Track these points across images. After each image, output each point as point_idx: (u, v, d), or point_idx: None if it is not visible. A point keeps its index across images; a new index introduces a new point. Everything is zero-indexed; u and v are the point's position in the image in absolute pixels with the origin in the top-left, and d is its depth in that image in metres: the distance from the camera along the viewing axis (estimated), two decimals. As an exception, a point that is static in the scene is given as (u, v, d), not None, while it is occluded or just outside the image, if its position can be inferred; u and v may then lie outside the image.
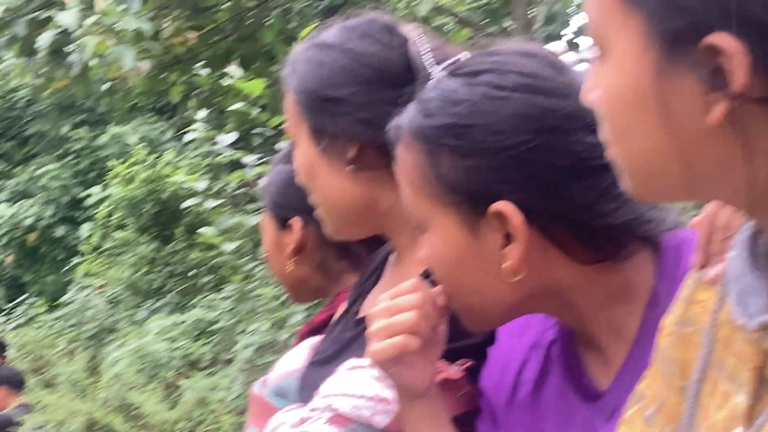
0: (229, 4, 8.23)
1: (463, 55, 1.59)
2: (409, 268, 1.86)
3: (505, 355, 1.66)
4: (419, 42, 1.85)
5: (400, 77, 1.79)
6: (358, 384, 1.72)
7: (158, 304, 10.79)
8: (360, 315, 1.98)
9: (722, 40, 0.96)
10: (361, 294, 2.05)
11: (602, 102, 1.09)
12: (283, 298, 7.55)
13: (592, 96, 1.13)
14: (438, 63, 1.65)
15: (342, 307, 2.14)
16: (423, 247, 1.53)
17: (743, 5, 0.96)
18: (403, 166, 1.52)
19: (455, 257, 1.48)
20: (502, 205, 1.41)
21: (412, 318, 1.49)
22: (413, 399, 1.55)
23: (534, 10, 7.76)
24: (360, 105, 1.83)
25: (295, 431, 1.77)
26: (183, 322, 9.34)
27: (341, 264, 2.47)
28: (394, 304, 1.52)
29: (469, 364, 1.68)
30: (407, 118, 1.52)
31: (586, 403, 1.51)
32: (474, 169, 1.43)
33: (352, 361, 1.77)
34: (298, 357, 2.14)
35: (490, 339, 1.70)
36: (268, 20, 8.01)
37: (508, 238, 1.43)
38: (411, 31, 1.88)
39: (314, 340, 2.14)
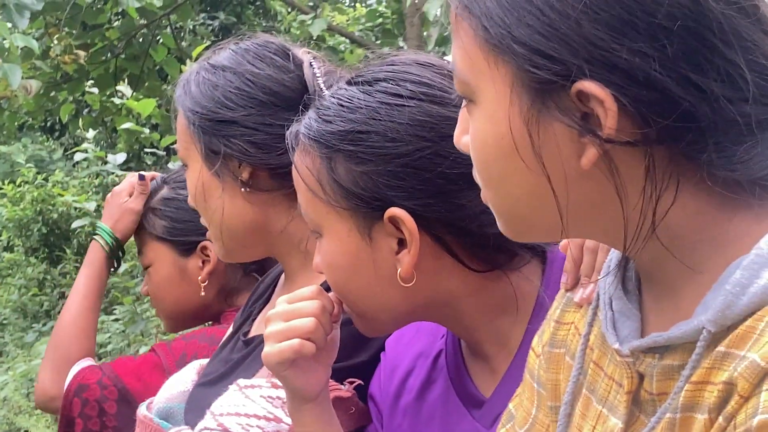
0: (119, 21, 8.15)
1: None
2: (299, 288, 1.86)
3: (392, 361, 1.68)
4: (314, 65, 1.86)
5: (294, 100, 1.79)
6: (248, 403, 1.72)
7: (47, 326, 10.58)
8: (250, 335, 1.97)
9: (590, 87, 0.98)
10: (249, 315, 2.05)
11: (473, 148, 1.10)
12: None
13: (464, 140, 1.15)
14: (329, 87, 1.66)
15: (229, 329, 2.13)
16: (318, 252, 1.53)
17: (609, 53, 0.98)
18: (300, 172, 1.53)
19: (349, 262, 1.49)
20: (396, 211, 1.44)
21: (309, 324, 1.50)
22: (305, 402, 1.56)
23: (426, 32, 7.83)
24: (253, 127, 1.83)
25: None
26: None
27: (240, 285, 2.47)
28: (292, 309, 1.52)
29: (357, 382, 1.69)
30: (305, 124, 1.53)
31: (470, 410, 1.53)
32: (369, 175, 1.46)
33: (242, 381, 1.76)
34: (183, 379, 2.12)
35: (376, 357, 1.72)
36: (159, 39, 7.94)
37: (402, 245, 1.46)
38: (305, 54, 1.88)
39: (200, 362, 2.13)
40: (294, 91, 1.83)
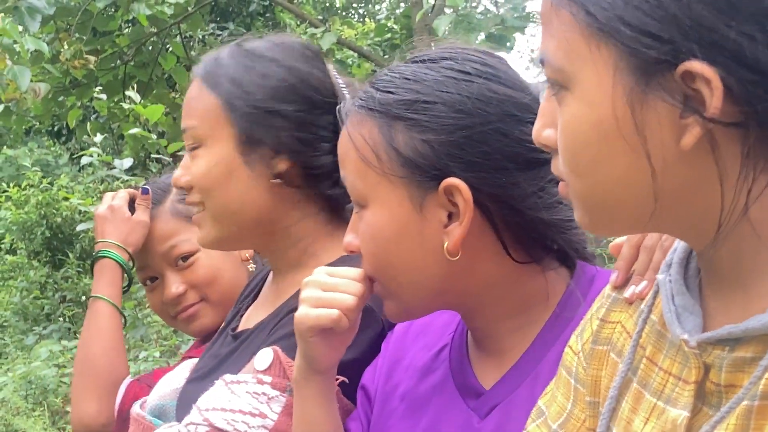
0: (129, 29, 8.19)
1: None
2: (290, 286, 1.89)
3: (396, 353, 1.70)
4: (336, 74, 1.90)
5: (330, 104, 1.83)
6: (233, 399, 1.74)
7: (48, 329, 10.60)
8: (238, 330, 1.99)
9: (698, 67, 1.01)
10: (239, 311, 2.07)
11: (565, 135, 1.11)
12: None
13: (545, 133, 1.16)
14: (352, 97, 1.69)
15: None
16: (357, 226, 1.55)
17: (718, 34, 1.00)
18: (354, 141, 1.54)
19: (396, 232, 1.50)
20: (454, 181, 1.46)
21: (351, 302, 1.53)
22: (315, 374, 1.59)
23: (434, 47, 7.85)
24: (301, 123, 1.86)
25: None
26: (73, 348, 9.19)
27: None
28: (334, 282, 1.55)
29: (341, 380, 1.71)
30: (361, 96, 1.55)
31: (466, 399, 1.56)
32: (430, 144, 1.48)
33: (228, 376, 1.78)
34: (177, 377, 2.15)
35: (364, 356, 1.75)
36: (168, 47, 7.98)
37: (450, 219, 1.48)
38: (328, 62, 1.93)
39: (193, 361, 2.15)
40: (331, 95, 1.88)
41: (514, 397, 1.51)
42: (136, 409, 2.16)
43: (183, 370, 2.15)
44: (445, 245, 1.48)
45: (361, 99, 1.55)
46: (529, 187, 1.49)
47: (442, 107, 1.49)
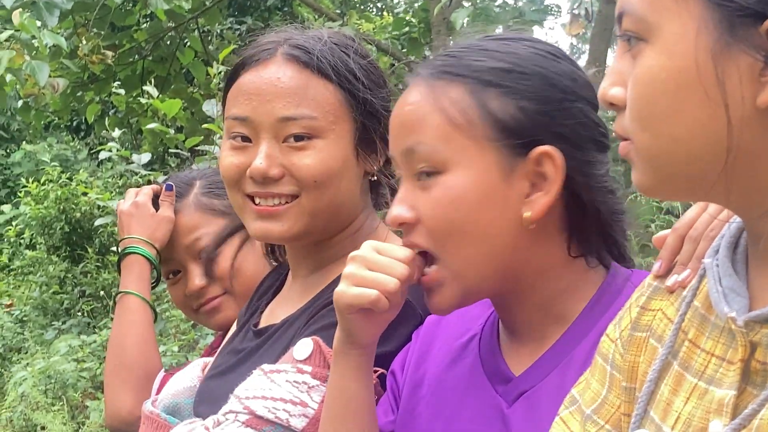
0: (147, 24, 8.20)
1: None
2: (324, 279, 1.88)
3: (428, 340, 1.71)
4: None
5: None
6: (274, 387, 1.74)
7: (67, 324, 10.63)
8: (260, 326, 1.98)
9: None
10: (256, 310, 2.06)
11: (641, 86, 1.11)
12: (190, 323, 7.50)
13: (613, 91, 1.16)
14: None
15: (234, 325, 2.15)
16: (434, 191, 1.52)
17: None
18: (439, 104, 1.53)
19: (478, 198, 1.50)
20: (549, 148, 1.49)
21: (392, 286, 1.52)
22: (354, 347, 1.58)
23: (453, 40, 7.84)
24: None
25: None
26: (93, 343, 9.22)
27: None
28: (380, 262, 1.54)
29: (380, 371, 1.72)
30: (444, 62, 1.56)
31: (494, 385, 1.56)
32: (526, 112, 1.50)
33: (267, 366, 1.78)
34: (189, 376, 2.14)
35: (398, 351, 1.74)
36: (186, 42, 7.99)
37: (533, 189, 1.50)
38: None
39: (204, 360, 2.15)
40: None
41: (544, 384, 1.52)
42: (148, 407, 2.16)
43: (195, 369, 2.15)
44: (526, 214, 1.49)
45: (439, 66, 1.55)
46: (600, 168, 1.54)
47: (537, 79, 1.52)
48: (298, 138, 1.84)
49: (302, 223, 1.87)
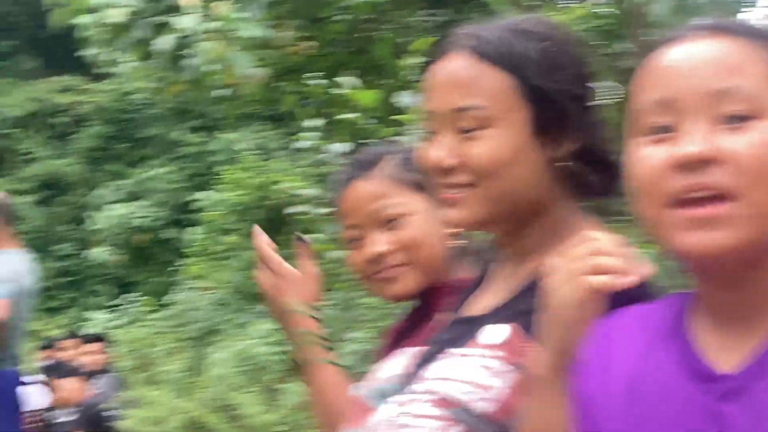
0: (343, 16, 8.32)
1: None
2: (527, 270, 1.87)
3: (607, 354, 1.61)
4: None
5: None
6: (465, 370, 1.75)
7: (263, 308, 10.89)
8: (464, 316, 2.00)
9: None
10: (465, 299, 2.07)
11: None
12: (385, 310, 7.57)
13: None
14: None
15: (440, 314, 2.16)
16: (757, 132, 1.46)
17: None
18: (754, 54, 1.50)
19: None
20: None
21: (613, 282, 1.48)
22: (562, 369, 1.53)
23: (650, 33, 7.69)
24: (590, 108, 1.88)
25: (400, 410, 1.80)
26: (285, 328, 9.40)
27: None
28: (605, 260, 1.49)
29: None
30: (710, 22, 1.55)
31: (699, 384, 1.47)
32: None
33: (458, 349, 1.79)
34: (399, 364, 2.18)
35: None
36: (380, 34, 8.07)
37: None
38: None
39: (415, 349, 2.17)
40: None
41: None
42: (355, 391, 2.20)
43: (404, 358, 2.18)
44: None
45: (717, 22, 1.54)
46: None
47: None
48: (469, 129, 1.85)
49: (484, 210, 1.86)
